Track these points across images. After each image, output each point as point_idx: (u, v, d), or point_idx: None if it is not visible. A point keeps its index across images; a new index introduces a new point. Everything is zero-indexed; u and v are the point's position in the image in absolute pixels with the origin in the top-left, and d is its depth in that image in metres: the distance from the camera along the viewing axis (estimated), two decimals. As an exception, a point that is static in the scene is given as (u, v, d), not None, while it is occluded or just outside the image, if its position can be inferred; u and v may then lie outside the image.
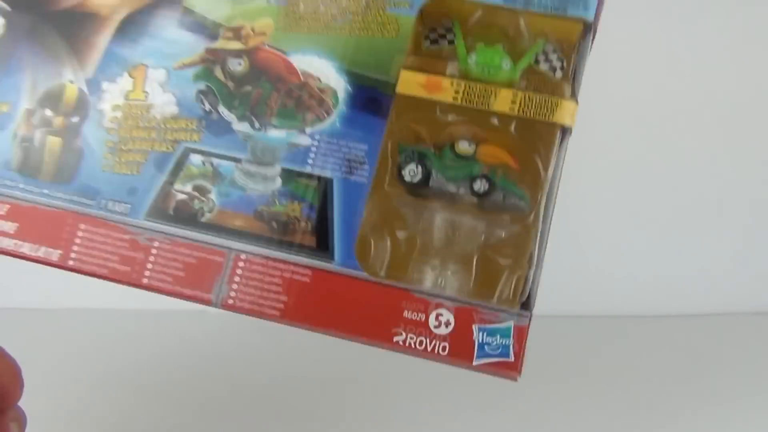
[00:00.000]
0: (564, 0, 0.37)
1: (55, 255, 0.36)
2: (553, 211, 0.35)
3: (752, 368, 0.61)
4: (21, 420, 0.35)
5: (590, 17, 0.36)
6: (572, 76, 0.37)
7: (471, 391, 0.53)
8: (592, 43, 0.37)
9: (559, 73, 0.38)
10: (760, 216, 0.80)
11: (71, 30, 0.38)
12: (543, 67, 0.38)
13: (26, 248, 0.36)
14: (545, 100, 0.35)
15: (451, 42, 0.39)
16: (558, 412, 0.53)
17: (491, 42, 0.38)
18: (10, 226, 0.36)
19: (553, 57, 0.38)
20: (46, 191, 0.37)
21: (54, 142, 0.37)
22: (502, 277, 0.35)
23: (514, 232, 0.36)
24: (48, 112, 0.37)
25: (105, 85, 0.37)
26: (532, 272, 0.34)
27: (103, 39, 0.38)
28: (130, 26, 0.38)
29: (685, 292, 0.78)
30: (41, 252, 0.36)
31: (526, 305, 0.34)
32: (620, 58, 0.70)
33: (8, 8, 0.39)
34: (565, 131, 0.35)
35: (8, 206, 0.37)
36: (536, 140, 0.36)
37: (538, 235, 0.35)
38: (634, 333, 0.71)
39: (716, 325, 0.73)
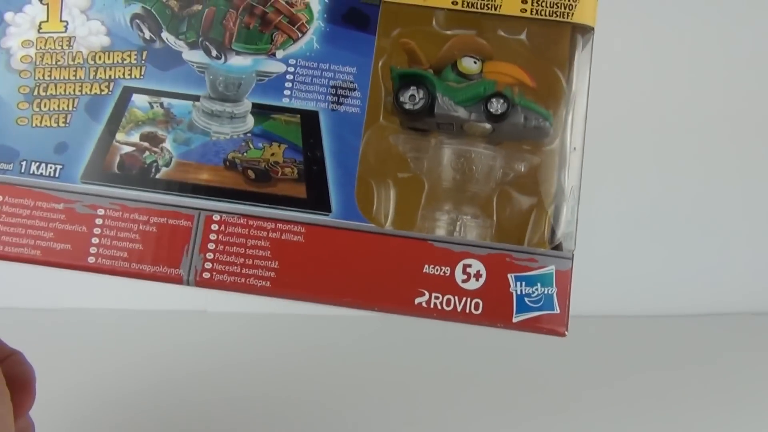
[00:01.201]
0: None
1: None
2: (586, 132, 0.25)
3: (752, 368, 0.57)
4: (28, 430, 0.29)
5: None
6: None
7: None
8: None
9: None
10: (761, 216, 0.75)
11: None
12: None
13: None
14: None
15: None
16: (558, 412, 0.49)
17: None
18: None
19: None
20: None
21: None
22: (531, 218, 0.26)
23: (537, 162, 0.26)
24: None
25: (8, 16, 0.26)
26: (565, 206, 0.25)
27: None
28: None
29: (685, 292, 0.73)
30: None
31: (562, 246, 0.24)
32: (629, 58, 0.67)
33: None
34: (587, 33, 0.26)
35: None
36: (554, 48, 0.27)
37: (567, 162, 0.25)
38: (634, 333, 0.68)
39: (716, 325, 0.69)
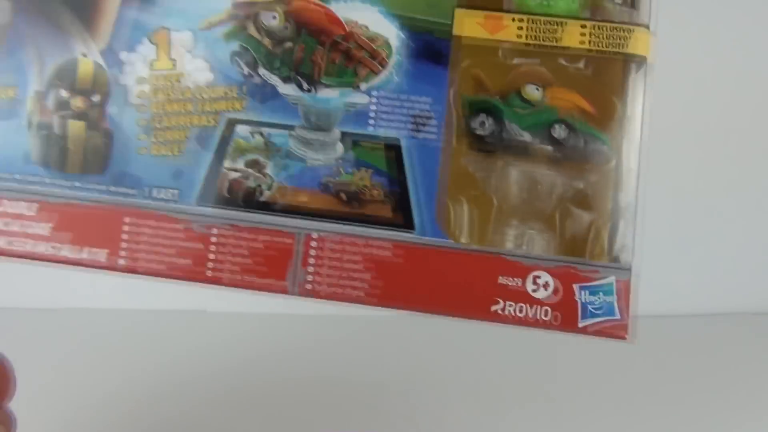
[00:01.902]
0: None
1: (101, 255, 0.27)
2: (644, 153, 0.27)
3: (752, 368, 0.55)
4: (8, 423, 0.28)
5: None
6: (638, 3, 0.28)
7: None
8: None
9: None
10: (761, 216, 0.72)
11: None
12: None
13: (66, 251, 0.27)
14: (618, 29, 0.27)
15: None
16: (558, 411, 0.47)
17: None
18: (43, 228, 0.27)
19: None
20: (77, 184, 0.27)
21: (76, 126, 0.27)
22: (590, 233, 0.27)
23: (595, 181, 0.28)
24: (63, 93, 0.27)
25: (124, 55, 0.28)
26: (622, 221, 0.27)
27: (112, 2, 0.27)
28: None
29: (685, 292, 0.71)
30: (85, 254, 0.27)
31: (620, 258, 0.26)
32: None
33: None
34: (643, 64, 0.27)
35: (37, 205, 0.27)
36: (611, 77, 0.28)
37: (622, 181, 0.27)
38: (634, 333, 0.68)
39: (716, 325, 0.67)
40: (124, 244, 0.28)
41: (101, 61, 0.29)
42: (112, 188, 0.28)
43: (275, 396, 0.46)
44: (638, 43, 0.28)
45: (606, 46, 0.28)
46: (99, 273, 0.28)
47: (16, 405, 0.29)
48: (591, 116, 0.29)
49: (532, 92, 0.29)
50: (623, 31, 0.28)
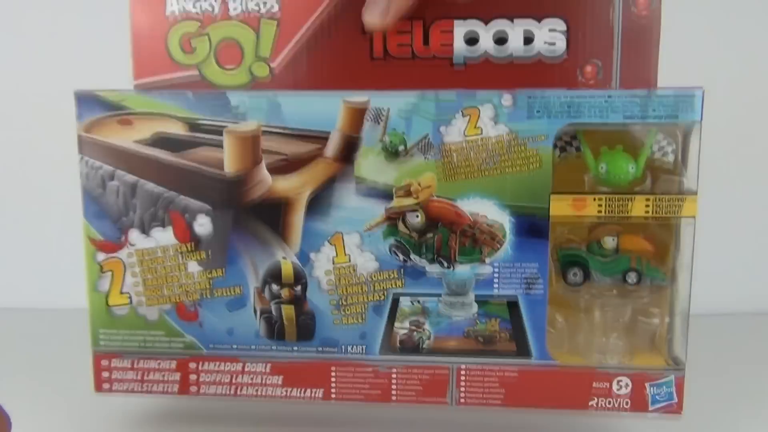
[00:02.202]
0: (675, 107, 0.36)
1: (319, 393, 0.40)
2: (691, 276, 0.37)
3: (752, 368, 0.54)
4: (2, 423, 0.28)
5: (698, 117, 0.36)
6: (683, 156, 0.38)
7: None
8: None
9: (671, 157, 0.38)
10: (761, 216, 0.72)
11: (269, 216, 0.38)
12: (658, 155, 0.38)
13: (294, 393, 0.40)
14: (673, 200, 0.37)
15: (578, 149, 0.38)
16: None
17: (612, 143, 0.38)
18: (276, 379, 0.40)
19: (665, 143, 0.38)
20: (295, 349, 0.39)
21: (288, 309, 0.39)
22: (655, 340, 0.39)
23: (653, 297, 0.39)
24: (274, 287, 0.39)
25: (312, 255, 0.39)
26: (678, 331, 0.38)
27: (297, 218, 0.38)
28: (317, 203, 0.38)
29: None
30: (307, 393, 0.40)
31: (678, 361, 0.38)
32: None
33: (209, 208, 0.38)
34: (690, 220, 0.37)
35: (270, 365, 0.40)
36: (668, 230, 0.38)
37: (677, 298, 0.38)
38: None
39: (716, 325, 0.64)
40: (333, 385, 0.41)
41: (297, 261, 0.40)
42: (320, 349, 0.40)
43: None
44: (689, 208, 0.38)
45: (665, 213, 0.38)
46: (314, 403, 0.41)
47: (15, 405, 0.29)
48: (652, 254, 0.39)
49: (609, 243, 0.40)
50: (677, 200, 0.38)
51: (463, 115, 0.38)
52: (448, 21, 0.41)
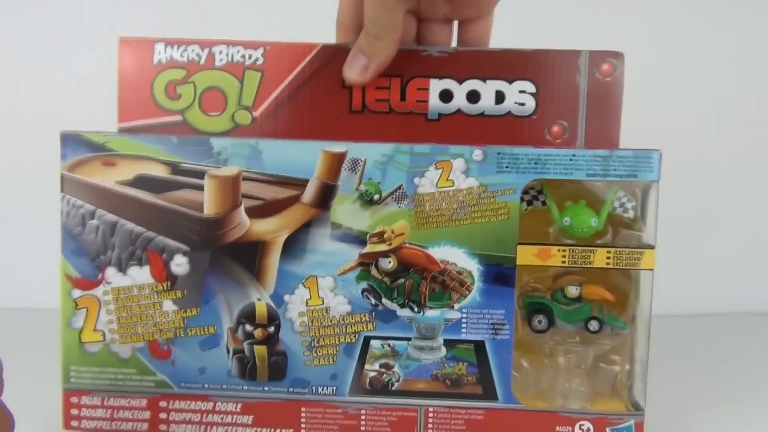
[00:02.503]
0: (634, 167, 0.38)
1: None
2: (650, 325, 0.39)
3: (752, 368, 0.55)
4: (6, 421, 0.28)
5: (656, 177, 0.38)
6: (642, 212, 0.40)
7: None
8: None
9: (631, 213, 0.40)
10: (761, 216, 0.72)
11: (245, 257, 0.39)
12: (619, 210, 0.40)
13: None
14: (633, 253, 0.38)
15: (544, 203, 0.40)
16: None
17: (576, 198, 0.40)
18: (247, 419, 0.40)
19: (625, 200, 0.40)
20: (266, 389, 0.40)
21: (260, 350, 0.40)
22: (616, 382, 0.40)
23: (617, 345, 0.40)
24: (248, 327, 0.39)
25: (287, 297, 0.40)
26: (638, 378, 0.40)
27: (273, 260, 0.39)
28: (293, 246, 0.39)
29: (685, 292, 0.70)
30: None
31: (638, 406, 0.39)
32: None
33: (187, 248, 0.39)
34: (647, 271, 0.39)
35: (241, 404, 0.40)
36: (627, 281, 0.40)
37: (636, 345, 0.40)
38: None
39: (716, 325, 0.66)
40: (303, 424, 0.41)
41: (271, 303, 0.40)
42: (291, 389, 0.41)
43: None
44: (647, 261, 0.40)
45: (625, 265, 0.40)
46: None
47: (14, 404, 0.28)
48: (613, 304, 0.41)
49: (572, 291, 0.41)
50: (637, 254, 0.40)
51: (436, 168, 0.40)
52: (424, 79, 0.44)
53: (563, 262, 0.40)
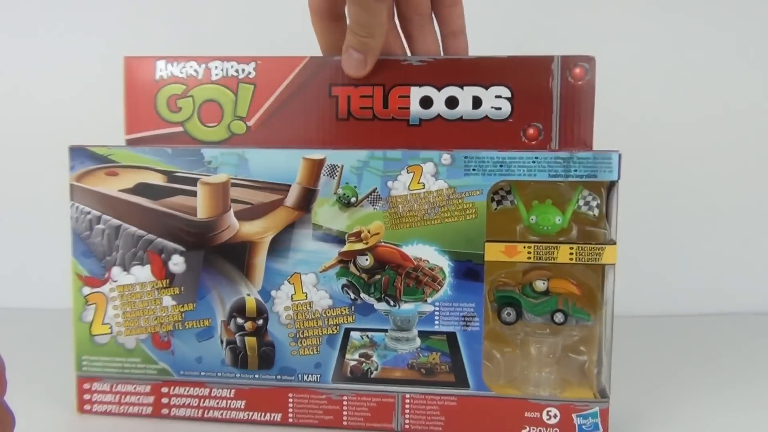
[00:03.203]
0: (594, 168, 0.41)
1: (278, 417, 0.44)
2: (613, 320, 0.42)
3: (752, 368, 0.55)
4: (7, 420, 0.28)
5: (615, 177, 0.40)
6: (606, 211, 0.42)
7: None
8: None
9: (596, 211, 0.42)
10: (761, 217, 0.72)
11: (235, 257, 0.43)
12: (584, 209, 0.42)
13: (256, 416, 0.44)
14: (594, 249, 0.41)
15: (512, 202, 0.43)
16: None
17: (542, 197, 0.42)
18: (240, 404, 0.44)
19: (590, 198, 0.42)
20: (257, 376, 0.43)
21: (251, 340, 0.43)
22: (583, 373, 0.43)
23: (584, 336, 0.43)
24: (239, 320, 0.43)
25: (273, 293, 0.43)
26: (604, 366, 0.42)
27: (260, 259, 0.43)
28: (278, 246, 0.42)
29: (685, 292, 0.71)
30: (267, 417, 0.44)
31: (604, 393, 0.42)
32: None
33: (183, 249, 0.43)
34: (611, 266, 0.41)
35: (234, 390, 0.44)
36: (591, 275, 0.42)
37: (603, 337, 0.42)
38: (636, 333, 0.64)
39: (716, 325, 0.66)
40: (290, 409, 0.45)
41: (259, 298, 0.44)
42: (278, 377, 0.45)
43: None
44: (609, 256, 0.42)
45: (587, 260, 0.42)
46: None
47: (15, 404, 0.29)
48: (579, 297, 0.44)
49: (540, 285, 0.44)
50: (599, 249, 0.42)
51: (408, 172, 0.43)
52: (405, 87, 0.46)
53: (529, 258, 0.43)
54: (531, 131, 0.46)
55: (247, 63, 0.46)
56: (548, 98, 0.45)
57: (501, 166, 0.42)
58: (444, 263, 0.43)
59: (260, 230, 0.43)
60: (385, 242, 0.43)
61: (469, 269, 0.43)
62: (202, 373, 0.45)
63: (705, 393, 0.50)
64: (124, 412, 0.46)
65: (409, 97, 0.46)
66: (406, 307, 0.43)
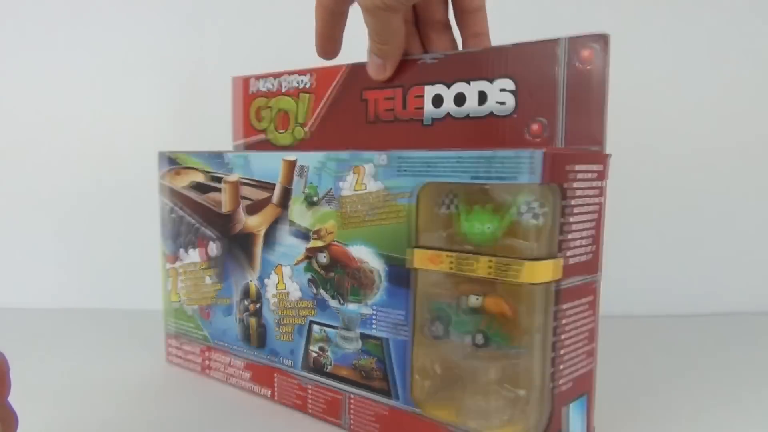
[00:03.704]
0: (515, 169, 0.35)
1: (268, 393, 0.48)
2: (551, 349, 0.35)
3: (752, 368, 0.55)
4: (10, 420, 0.27)
5: (537, 180, 0.34)
6: (554, 221, 0.36)
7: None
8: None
9: (541, 220, 0.36)
10: (760, 217, 0.73)
11: (244, 245, 0.49)
12: (525, 217, 0.37)
13: (256, 388, 0.49)
14: (513, 264, 0.35)
15: (457, 207, 0.40)
16: None
17: (485, 202, 0.38)
18: (247, 375, 0.50)
19: (536, 205, 0.37)
20: (255, 354, 0.49)
21: (252, 321, 0.49)
22: (514, 408, 0.37)
23: (526, 365, 0.37)
24: (246, 302, 0.49)
25: (266, 281, 0.48)
26: (531, 405, 0.36)
27: (258, 249, 0.48)
28: (268, 238, 0.47)
29: (685, 292, 0.72)
30: (263, 391, 0.49)
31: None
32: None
33: (216, 236, 0.51)
34: (550, 284, 0.35)
35: (243, 362, 0.50)
36: (521, 296, 0.37)
37: (533, 368, 0.36)
38: (636, 332, 0.66)
39: (716, 325, 0.66)
40: (276, 388, 0.49)
41: (258, 284, 0.50)
42: (268, 357, 0.50)
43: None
44: (528, 273, 0.36)
45: (504, 276, 0.37)
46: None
47: (16, 404, 0.29)
48: (510, 323, 0.38)
49: (473, 301, 0.40)
50: (516, 264, 0.36)
51: (353, 173, 0.44)
52: (420, 87, 0.47)
53: (451, 267, 0.39)
54: (535, 127, 0.41)
55: (306, 74, 0.53)
56: (553, 88, 0.40)
57: (428, 166, 0.40)
58: (380, 266, 0.42)
59: (257, 224, 0.50)
60: (336, 241, 0.45)
61: (399, 274, 0.41)
62: (226, 344, 0.53)
63: (705, 393, 0.50)
64: (186, 366, 0.57)
65: (423, 96, 0.46)
66: (351, 307, 0.44)
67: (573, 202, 0.37)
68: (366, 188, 0.42)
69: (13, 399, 0.29)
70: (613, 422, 0.43)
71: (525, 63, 0.41)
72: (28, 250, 0.77)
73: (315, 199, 0.45)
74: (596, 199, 0.39)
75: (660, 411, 0.47)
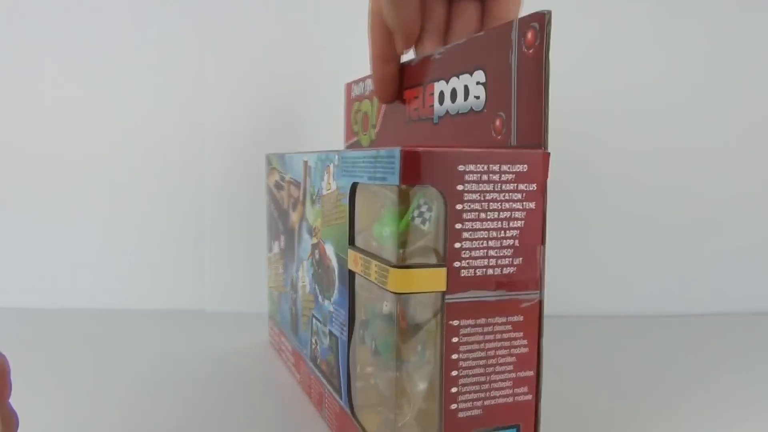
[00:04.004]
0: (386, 169, 0.35)
1: (299, 377, 0.53)
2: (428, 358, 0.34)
3: (752, 368, 0.56)
4: (11, 420, 0.27)
5: (396, 182, 0.34)
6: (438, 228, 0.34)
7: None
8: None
9: (428, 224, 0.35)
10: (760, 217, 0.72)
11: (290, 239, 0.55)
12: (417, 221, 0.36)
13: (294, 372, 0.54)
14: (381, 270, 0.35)
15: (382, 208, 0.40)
16: (556, 410, 0.44)
17: (392, 204, 0.38)
18: (292, 359, 0.55)
19: (424, 209, 0.35)
20: (294, 341, 0.54)
21: (293, 310, 0.54)
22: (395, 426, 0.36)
23: (398, 382, 0.36)
24: (292, 293, 0.54)
25: (299, 273, 0.52)
26: (416, 422, 0.35)
27: (296, 243, 0.53)
28: (300, 234, 0.52)
29: (685, 292, 0.71)
30: (297, 377, 0.53)
31: None
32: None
33: (284, 229, 0.57)
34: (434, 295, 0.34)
35: (291, 347, 0.55)
36: (410, 307, 0.36)
37: (419, 388, 0.35)
38: (635, 332, 0.66)
39: (716, 325, 0.68)
40: (300, 375, 0.53)
41: (295, 276, 0.54)
42: (298, 344, 0.54)
43: (273, 395, 0.49)
44: (394, 281, 0.34)
45: (383, 284, 0.35)
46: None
47: (16, 404, 0.29)
48: (402, 331, 0.36)
49: (384, 308, 0.38)
50: (385, 271, 0.35)
51: (327, 172, 0.45)
52: (431, 84, 0.47)
53: (362, 271, 0.39)
54: (497, 123, 0.39)
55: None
56: (508, 78, 0.38)
57: (354, 167, 0.40)
58: (336, 266, 0.44)
59: (295, 220, 0.54)
60: (321, 239, 0.47)
61: (344, 275, 0.42)
62: (283, 329, 0.59)
63: (704, 393, 0.50)
64: (271, 344, 0.64)
65: (433, 94, 0.46)
66: (326, 303, 0.46)
67: (466, 206, 0.33)
68: (331, 187, 0.43)
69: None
70: (612, 422, 0.44)
71: (490, 51, 0.38)
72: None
73: (314, 198, 0.47)
74: (519, 205, 0.34)
75: (660, 411, 0.47)
